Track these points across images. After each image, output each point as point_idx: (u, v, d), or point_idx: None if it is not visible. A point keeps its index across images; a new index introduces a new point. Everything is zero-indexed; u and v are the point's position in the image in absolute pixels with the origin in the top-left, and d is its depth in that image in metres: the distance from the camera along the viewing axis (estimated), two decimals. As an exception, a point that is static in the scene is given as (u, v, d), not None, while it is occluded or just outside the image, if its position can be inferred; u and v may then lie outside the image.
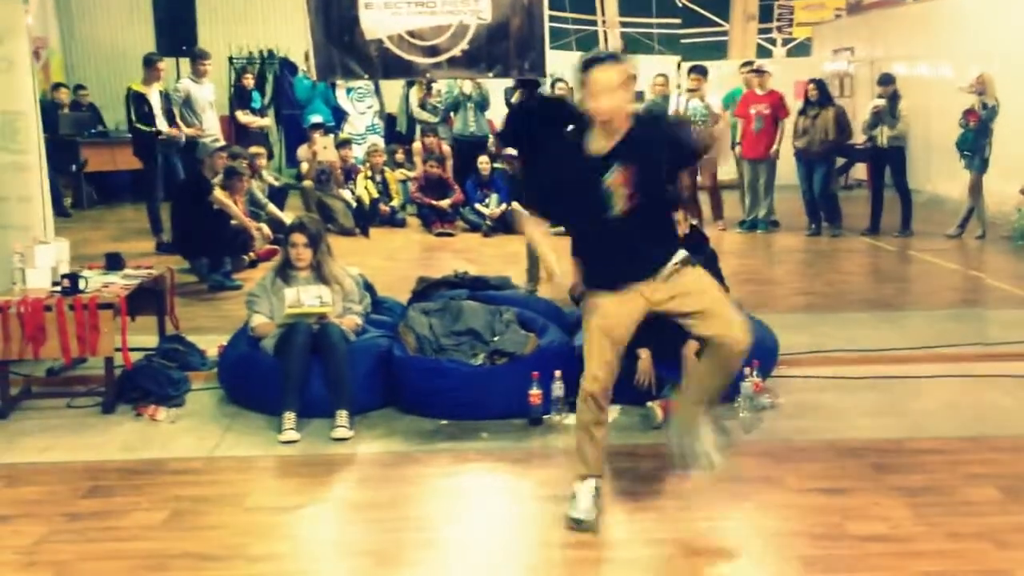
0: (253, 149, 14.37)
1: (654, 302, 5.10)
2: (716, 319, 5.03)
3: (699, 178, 14.59)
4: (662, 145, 5.05)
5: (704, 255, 6.63)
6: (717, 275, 6.67)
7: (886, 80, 14.48)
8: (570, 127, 5.29)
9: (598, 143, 5.00)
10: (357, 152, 16.43)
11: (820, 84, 14.85)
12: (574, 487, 5.20)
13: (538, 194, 5.39)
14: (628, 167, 4.91)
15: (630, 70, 4.94)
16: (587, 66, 4.92)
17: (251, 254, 11.95)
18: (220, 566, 4.80)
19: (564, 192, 5.09)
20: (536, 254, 5.20)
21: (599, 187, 4.93)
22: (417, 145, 16.82)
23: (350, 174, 15.74)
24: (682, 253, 5.17)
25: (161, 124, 13.13)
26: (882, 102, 14.23)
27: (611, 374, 5.15)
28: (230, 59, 19.48)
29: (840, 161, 16.29)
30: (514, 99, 17.01)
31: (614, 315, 5.12)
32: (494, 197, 15.20)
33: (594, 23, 28.63)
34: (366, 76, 10.81)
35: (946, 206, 15.94)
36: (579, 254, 5.41)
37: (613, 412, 6.79)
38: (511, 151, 15.49)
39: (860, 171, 18.39)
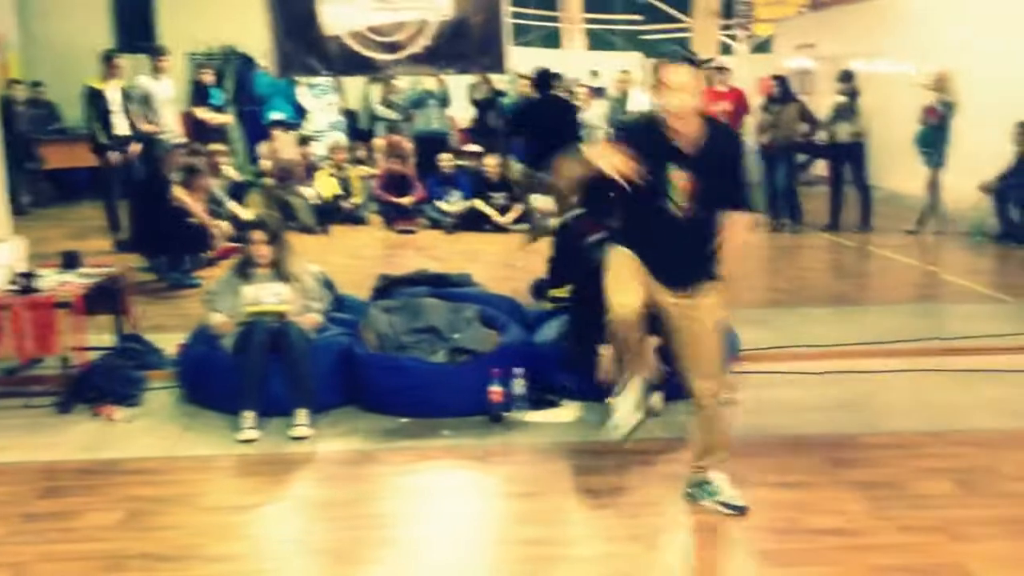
0: (213, 146, 14.30)
1: (666, 304, 5.16)
2: (695, 356, 5.17)
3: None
4: (727, 171, 5.10)
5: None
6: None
7: (846, 77, 14.57)
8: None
9: (676, 139, 5.00)
10: (318, 149, 16.38)
11: (782, 80, 14.93)
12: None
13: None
14: (696, 178, 4.96)
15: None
16: (662, 62, 4.97)
17: (211, 252, 11.88)
18: (177, 566, 4.78)
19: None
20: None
21: (665, 175, 4.95)
22: (379, 142, 16.80)
23: (311, 171, 15.69)
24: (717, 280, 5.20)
25: (119, 122, 13.06)
26: (842, 99, 14.32)
27: (640, 301, 5.06)
28: (189, 55, 19.38)
29: (801, 157, 16.37)
30: (477, 95, 17.09)
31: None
32: (456, 194, 15.19)
33: (556, 19, 28.68)
34: (326, 72, 10.78)
35: (905, 202, 16.02)
36: (627, 236, 5.26)
37: (574, 410, 6.81)
38: (474, 148, 15.52)
39: (820, 167, 18.48)
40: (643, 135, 5.07)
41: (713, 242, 5.16)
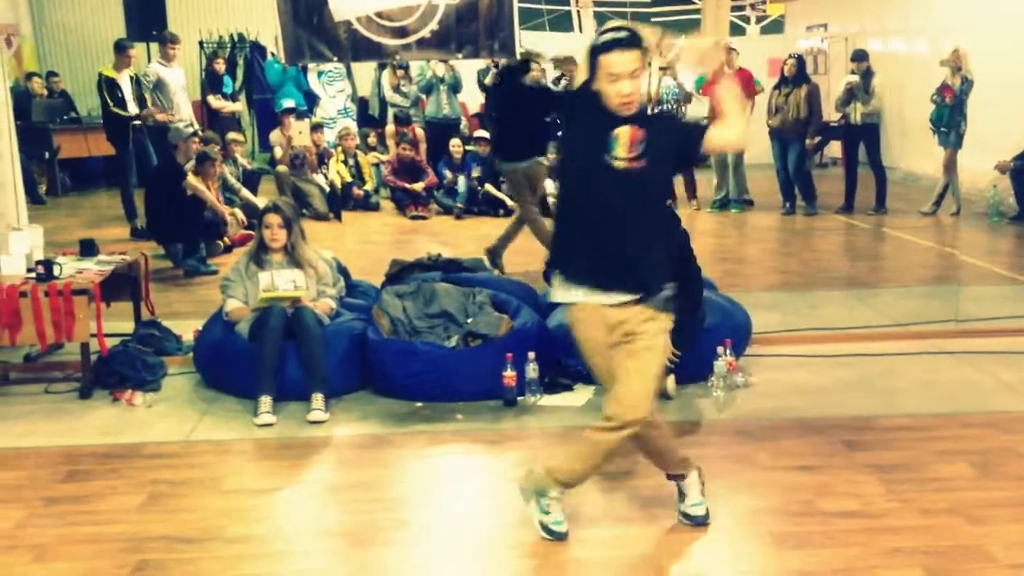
0: (230, 135, 14.41)
1: (615, 328, 4.70)
2: (624, 383, 4.67)
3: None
4: (672, 136, 4.68)
5: (676, 236, 6.57)
6: (689, 256, 6.72)
7: (859, 56, 14.52)
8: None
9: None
10: (329, 136, 16.45)
11: (800, 60, 14.87)
12: None
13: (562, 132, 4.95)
14: (639, 129, 4.51)
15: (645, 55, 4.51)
16: (602, 49, 4.47)
17: (225, 239, 11.97)
18: (197, 548, 4.84)
19: (577, 131, 4.74)
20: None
21: (608, 134, 4.54)
22: (390, 128, 16.87)
23: (323, 158, 15.76)
24: (668, 291, 4.73)
25: (132, 110, 13.13)
26: (855, 78, 14.28)
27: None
28: (201, 44, 19.44)
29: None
30: (487, 80, 17.13)
31: (592, 324, 4.75)
32: (464, 180, 15.25)
33: (567, 3, 28.59)
34: (335, 59, 10.82)
35: (921, 183, 16.03)
36: (568, 228, 4.84)
37: (587, 394, 6.86)
38: (484, 134, 15.56)
39: (835, 149, 18.44)
40: (583, 103, 4.66)
41: (663, 237, 4.84)
